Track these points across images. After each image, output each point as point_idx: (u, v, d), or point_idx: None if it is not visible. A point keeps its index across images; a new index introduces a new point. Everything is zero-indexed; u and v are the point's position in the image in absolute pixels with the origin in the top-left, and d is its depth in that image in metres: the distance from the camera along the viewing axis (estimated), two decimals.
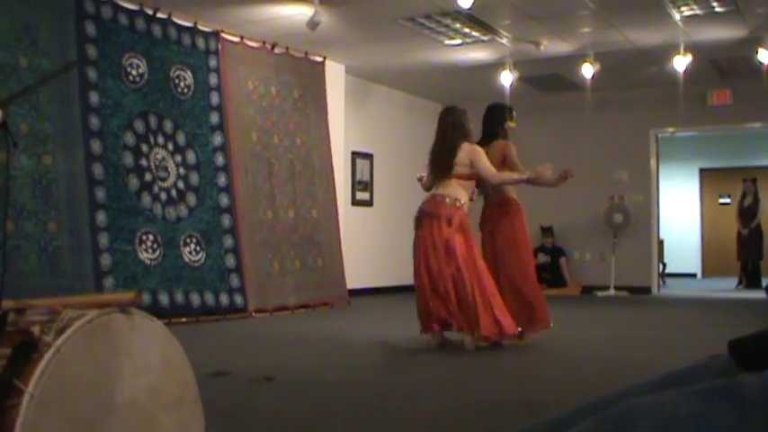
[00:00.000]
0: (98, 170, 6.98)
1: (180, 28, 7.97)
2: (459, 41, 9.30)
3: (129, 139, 7.32)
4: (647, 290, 11.83)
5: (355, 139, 10.92)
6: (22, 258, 6.25)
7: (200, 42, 8.18)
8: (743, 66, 10.32)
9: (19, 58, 6.48)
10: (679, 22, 8.46)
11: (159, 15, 7.73)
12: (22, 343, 1.80)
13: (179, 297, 7.44)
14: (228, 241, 8.10)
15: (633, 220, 11.80)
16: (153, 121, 7.55)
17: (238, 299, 8.06)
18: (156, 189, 7.49)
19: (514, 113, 6.22)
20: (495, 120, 6.12)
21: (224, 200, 8.16)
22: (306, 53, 9.51)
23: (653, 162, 12.10)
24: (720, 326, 7.19)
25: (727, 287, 13.26)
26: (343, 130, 10.36)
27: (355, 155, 11.11)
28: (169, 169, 7.67)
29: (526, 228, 6.08)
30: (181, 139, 7.82)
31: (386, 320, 7.88)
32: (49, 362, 1.76)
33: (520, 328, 5.80)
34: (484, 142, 6.03)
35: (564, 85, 11.63)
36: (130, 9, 7.49)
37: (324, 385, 4.39)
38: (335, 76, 10.20)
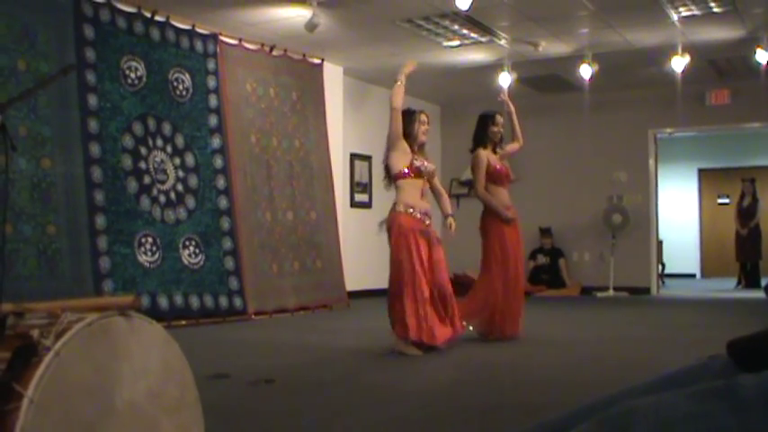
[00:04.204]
0: (97, 173, 6.98)
1: (178, 30, 7.97)
2: (457, 43, 9.31)
3: (128, 141, 7.31)
4: (647, 290, 11.82)
5: (354, 140, 10.92)
6: (21, 262, 6.25)
7: (199, 45, 8.18)
8: (741, 66, 10.32)
9: (17, 61, 6.47)
10: (677, 23, 8.47)
11: (157, 18, 7.73)
12: (21, 346, 1.80)
13: (178, 300, 7.44)
14: (227, 243, 8.10)
15: (632, 221, 11.80)
16: (152, 123, 7.55)
17: (237, 301, 8.05)
18: (154, 192, 7.49)
19: (498, 118, 6.63)
20: (478, 129, 6.63)
21: (223, 202, 8.16)
22: (304, 55, 9.52)
23: (651, 162, 12.10)
24: (719, 326, 7.19)
25: (726, 287, 13.26)
26: (342, 131, 10.35)
27: (354, 156, 11.10)
28: (168, 172, 7.66)
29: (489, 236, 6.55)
30: (179, 141, 7.82)
31: (385, 322, 7.86)
32: (48, 365, 1.76)
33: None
34: (473, 151, 6.61)
35: (562, 86, 11.64)
36: (128, 12, 7.49)
37: (323, 387, 4.39)
38: (334, 77, 10.20)
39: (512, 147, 6.90)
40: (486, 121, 6.62)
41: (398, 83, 5.78)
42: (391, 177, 5.81)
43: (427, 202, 5.87)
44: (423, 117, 5.95)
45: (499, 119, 6.63)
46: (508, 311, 6.35)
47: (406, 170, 5.72)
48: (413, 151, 5.81)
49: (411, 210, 5.67)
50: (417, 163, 5.77)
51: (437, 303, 5.66)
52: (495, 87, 10.34)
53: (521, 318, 6.46)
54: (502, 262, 6.40)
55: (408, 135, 5.81)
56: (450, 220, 6.01)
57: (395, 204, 5.76)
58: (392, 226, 5.70)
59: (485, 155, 6.51)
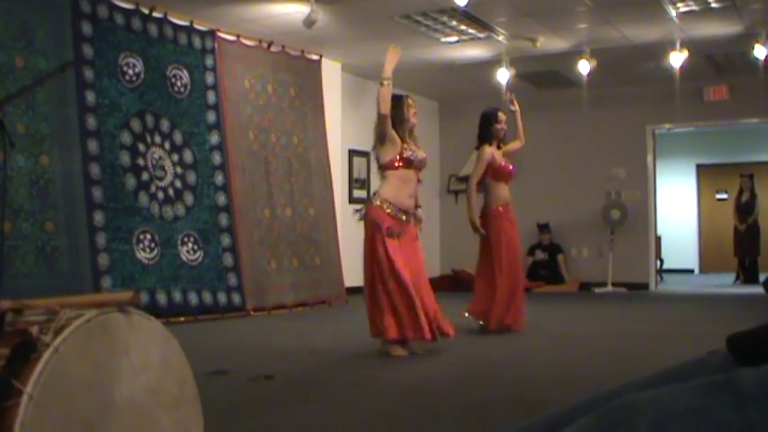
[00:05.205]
0: (95, 170, 6.98)
1: (176, 27, 7.96)
2: (455, 39, 9.30)
3: (126, 138, 7.31)
4: (645, 286, 11.83)
5: (352, 136, 10.91)
6: (20, 258, 6.25)
7: (197, 41, 8.17)
8: (739, 61, 10.33)
9: (15, 58, 6.46)
10: (675, 18, 8.47)
11: (155, 14, 7.72)
12: (20, 343, 1.80)
13: (177, 296, 7.44)
14: (226, 240, 8.10)
15: (630, 217, 11.81)
16: (150, 120, 7.55)
17: (236, 298, 8.05)
18: (153, 188, 7.48)
19: (500, 115, 6.79)
20: (482, 127, 6.81)
21: (221, 199, 8.16)
22: (302, 51, 9.51)
23: (650, 158, 12.10)
24: (718, 321, 7.20)
25: (724, 283, 13.27)
26: (340, 127, 10.35)
27: (352, 153, 11.09)
28: (166, 168, 7.66)
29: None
30: (178, 138, 7.81)
31: None
32: (47, 362, 1.76)
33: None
34: (478, 147, 6.82)
35: (561, 82, 11.64)
36: (126, 8, 7.47)
37: (322, 383, 4.40)
38: (332, 74, 10.19)
39: (513, 145, 7.00)
40: (489, 119, 6.77)
41: (385, 84, 5.43)
42: (381, 167, 5.63)
43: (412, 197, 5.58)
44: (410, 101, 5.71)
45: (501, 116, 6.80)
46: (512, 303, 6.54)
47: (396, 161, 5.49)
48: (402, 140, 5.56)
49: (386, 205, 5.45)
50: (407, 153, 5.51)
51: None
52: (494, 83, 10.36)
53: (523, 311, 6.63)
54: (502, 256, 6.59)
55: (401, 121, 5.58)
56: (419, 211, 5.73)
57: (374, 195, 5.61)
58: (366, 219, 5.56)
59: (490, 151, 6.67)
